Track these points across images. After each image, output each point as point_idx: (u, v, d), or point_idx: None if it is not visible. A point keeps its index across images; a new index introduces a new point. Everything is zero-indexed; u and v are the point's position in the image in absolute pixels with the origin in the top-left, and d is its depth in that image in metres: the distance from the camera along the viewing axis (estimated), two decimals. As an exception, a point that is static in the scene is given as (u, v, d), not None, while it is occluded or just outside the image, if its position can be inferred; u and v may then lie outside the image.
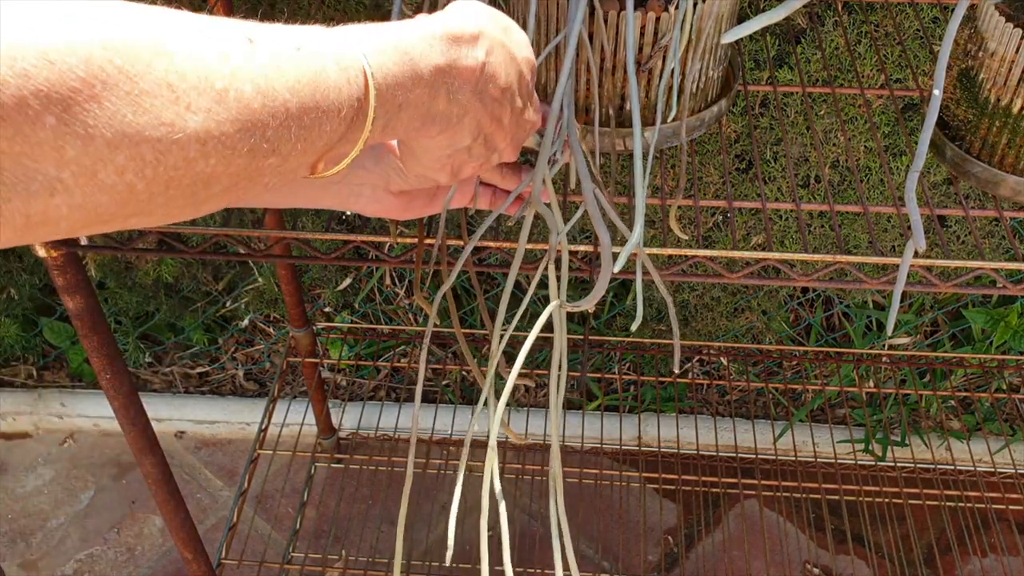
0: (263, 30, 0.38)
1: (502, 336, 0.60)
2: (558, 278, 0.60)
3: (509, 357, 0.91)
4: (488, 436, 0.55)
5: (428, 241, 0.71)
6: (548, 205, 0.62)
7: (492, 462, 0.52)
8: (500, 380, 0.60)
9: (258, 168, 0.37)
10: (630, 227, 0.59)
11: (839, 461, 1.55)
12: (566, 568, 0.56)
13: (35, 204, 0.31)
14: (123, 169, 0.32)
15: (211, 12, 1.00)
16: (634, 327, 0.63)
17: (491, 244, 0.73)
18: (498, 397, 0.56)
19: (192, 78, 0.34)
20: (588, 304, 0.56)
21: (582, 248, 0.73)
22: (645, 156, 0.65)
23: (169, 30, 0.34)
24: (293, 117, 0.38)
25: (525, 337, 1.55)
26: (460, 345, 0.59)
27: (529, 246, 0.66)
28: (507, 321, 1.53)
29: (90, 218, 0.33)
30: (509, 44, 0.52)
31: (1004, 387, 1.60)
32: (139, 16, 0.34)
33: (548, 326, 0.59)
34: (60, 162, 0.30)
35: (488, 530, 1.55)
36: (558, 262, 0.61)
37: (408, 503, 1.58)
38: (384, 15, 1.22)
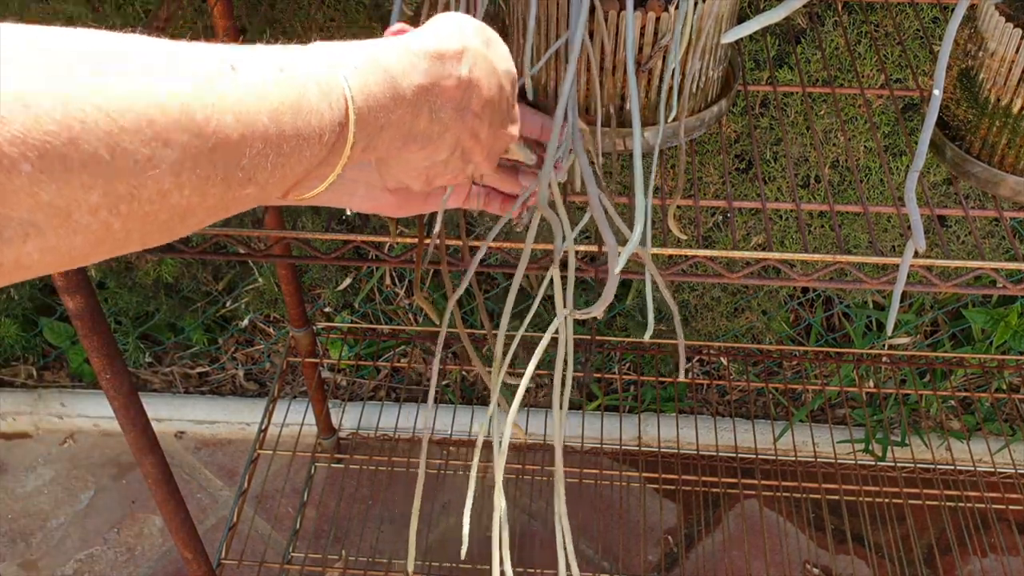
0: (245, 55, 0.38)
1: (508, 341, 0.60)
2: (563, 284, 0.60)
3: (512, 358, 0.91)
4: (491, 437, 0.55)
5: (427, 241, 0.71)
6: (553, 207, 0.62)
7: (499, 470, 0.52)
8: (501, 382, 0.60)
9: (234, 198, 0.37)
10: (631, 228, 0.59)
11: (839, 461, 1.55)
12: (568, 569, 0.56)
13: (8, 252, 0.30)
14: (97, 208, 0.31)
15: (211, 12, 1.00)
16: (647, 337, 0.63)
17: (492, 244, 0.73)
18: (501, 399, 0.56)
19: (173, 111, 0.33)
20: (597, 311, 0.56)
21: (583, 248, 0.73)
22: (646, 156, 0.65)
23: (148, 61, 0.33)
24: (272, 145, 0.37)
25: (525, 336, 1.54)
26: (467, 351, 0.59)
27: (531, 246, 0.66)
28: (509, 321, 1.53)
29: (63, 260, 0.32)
30: (491, 57, 0.51)
31: (1004, 387, 1.60)
32: (117, 48, 0.33)
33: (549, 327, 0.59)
34: (34, 207, 0.29)
35: (486, 531, 1.55)
36: (563, 265, 0.61)
37: (410, 502, 1.57)
38: (384, 15, 1.22)
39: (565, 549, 0.53)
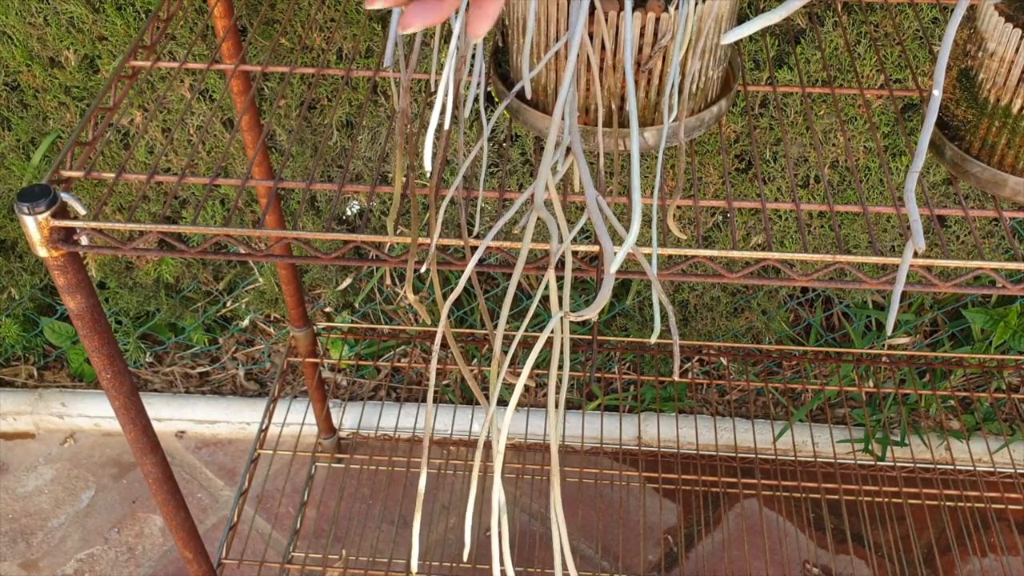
0: None
1: (505, 346, 0.60)
2: (560, 286, 0.59)
3: (512, 357, 0.91)
4: (491, 436, 0.55)
5: (423, 241, 0.71)
6: (548, 205, 0.62)
7: (498, 470, 0.52)
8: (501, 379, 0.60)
9: None
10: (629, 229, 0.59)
11: (839, 461, 1.55)
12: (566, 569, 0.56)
13: None
14: None
15: (211, 12, 1.00)
16: (653, 339, 0.63)
17: (491, 244, 0.73)
18: (502, 400, 0.56)
19: None
20: (591, 313, 0.56)
21: (582, 248, 0.73)
22: (646, 156, 0.65)
23: None
24: None
25: (526, 336, 1.54)
26: (455, 352, 0.59)
27: (529, 245, 0.66)
28: (509, 321, 1.53)
29: None
30: None
31: (1004, 387, 1.60)
32: None
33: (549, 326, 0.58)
34: None
35: (487, 530, 1.55)
36: (561, 265, 0.61)
37: (410, 502, 1.57)
38: (384, 15, 1.22)
39: (561, 548, 0.53)
